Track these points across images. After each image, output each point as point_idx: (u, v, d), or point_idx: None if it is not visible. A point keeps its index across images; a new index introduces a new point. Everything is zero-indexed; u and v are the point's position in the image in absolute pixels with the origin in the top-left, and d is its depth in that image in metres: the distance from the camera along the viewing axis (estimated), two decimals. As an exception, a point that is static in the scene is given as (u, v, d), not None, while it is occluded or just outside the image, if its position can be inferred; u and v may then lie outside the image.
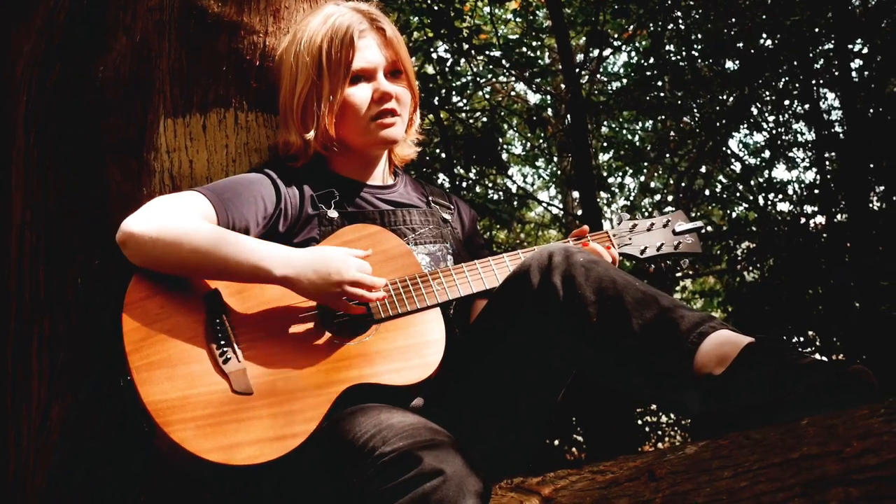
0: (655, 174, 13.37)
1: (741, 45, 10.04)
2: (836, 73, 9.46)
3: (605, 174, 13.53)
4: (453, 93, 10.84)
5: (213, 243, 2.13)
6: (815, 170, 11.00)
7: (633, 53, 12.59)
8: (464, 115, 11.93)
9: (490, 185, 12.53)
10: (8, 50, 2.91)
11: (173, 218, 2.16)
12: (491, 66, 11.67)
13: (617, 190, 14.33)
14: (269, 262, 2.14)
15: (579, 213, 12.46)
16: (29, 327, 2.65)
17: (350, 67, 2.47)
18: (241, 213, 2.31)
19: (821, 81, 10.35)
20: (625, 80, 12.13)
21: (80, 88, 2.76)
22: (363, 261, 2.24)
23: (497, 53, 10.96)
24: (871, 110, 9.42)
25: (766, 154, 11.52)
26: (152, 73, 2.68)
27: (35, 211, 2.73)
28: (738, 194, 12.05)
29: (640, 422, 12.06)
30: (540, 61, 12.36)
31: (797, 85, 10.33)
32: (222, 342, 2.10)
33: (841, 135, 10.23)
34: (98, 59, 2.76)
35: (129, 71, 2.71)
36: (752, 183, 11.58)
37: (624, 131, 13.45)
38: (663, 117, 11.28)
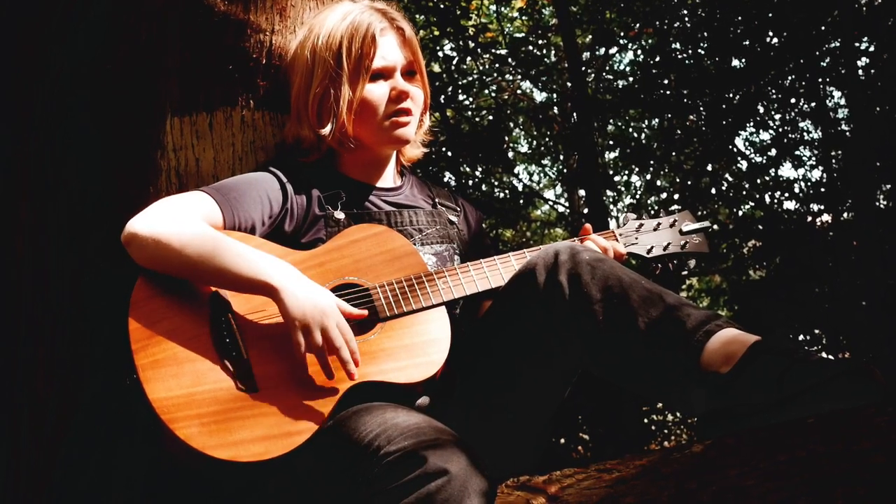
0: (661, 172, 13.36)
1: (747, 43, 10.03)
2: (843, 72, 9.45)
3: (611, 172, 13.53)
4: (459, 91, 10.86)
5: (213, 252, 2.12)
6: (821, 168, 11.01)
7: (639, 51, 12.58)
8: (470, 113, 11.95)
9: (496, 183, 12.55)
10: (19, 54, 2.91)
11: (177, 221, 2.16)
12: (497, 65, 11.68)
13: (623, 188, 14.34)
14: (264, 275, 2.11)
15: (585, 211, 12.47)
16: (37, 328, 2.65)
17: (371, 65, 2.47)
18: (247, 212, 2.31)
19: (827, 80, 10.35)
20: (631, 79, 12.13)
21: (87, 88, 2.76)
22: (350, 329, 2.14)
23: (503, 52, 10.99)
24: (878, 108, 9.41)
25: (773, 152, 11.50)
26: (159, 71, 2.68)
27: (43, 211, 2.73)
28: (744, 192, 12.05)
29: (646, 420, 12.08)
30: (546, 59, 12.37)
31: (803, 83, 10.33)
32: (227, 340, 2.11)
33: (847, 133, 10.22)
34: (104, 59, 2.76)
35: (135, 70, 2.71)
36: (759, 181, 11.57)
37: (630, 129, 13.45)
38: (669, 115, 11.27)
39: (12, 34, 2.90)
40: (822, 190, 10.69)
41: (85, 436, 2.44)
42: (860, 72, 9.54)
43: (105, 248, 2.56)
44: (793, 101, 10.77)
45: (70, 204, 2.71)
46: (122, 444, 2.35)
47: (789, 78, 10.42)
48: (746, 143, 12.47)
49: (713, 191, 12.16)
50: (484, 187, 11.80)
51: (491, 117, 11.92)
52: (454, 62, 10.56)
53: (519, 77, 12.44)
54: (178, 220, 2.16)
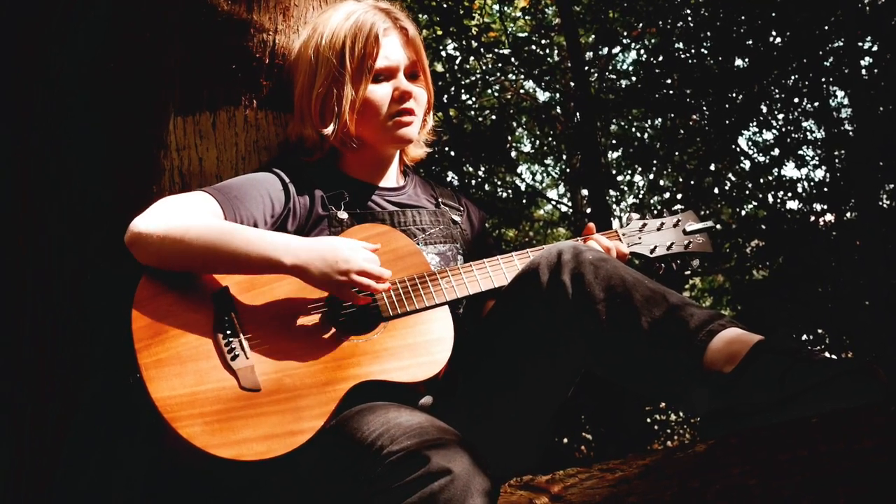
0: (664, 172, 13.36)
1: (750, 42, 10.02)
2: (846, 71, 9.44)
3: (613, 172, 13.52)
4: (462, 90, 10.86)
5: (220, 236, 2.13)
6: (824, 168, 11.00)
7: (641, 51, 12.58)
8: (473, 112, 11.95)
9: (499, 182, 12.54)
10: (19, 54, 2.91)
11: (181, 216, 2.17)
12: (500, 64, 11.67)
13: (626, 188, 14.33)
14: (277, 251, 2.14)
15: (588, 210, 12.46)
16: (39, 328, 2.66)
17: (374, 65, 2.47)
18: (249, 212, 2.31)
19: (830, 79, 10.34)
20: (633, 78, 12.13)
21: (87, 88, 2.76)
22: (371, 252, 2.24)
23: (506, 51, 10.99)
24: (881, 108, 9.40)
25: (776, 152, 11.49)
26: (161, 71, 2.69)
27: (43, 211, 2.74)
28: (747, 192, 12.04)
29: (648, 420, 12.07)
30: (549, 59, 12.37)
31: (806, 83, 10.32)
32: (230, 339, 2.11)
33: (850, 132, 10.21)
34: (105, 59, 2.76)
35: (137, 69, 2.71)
36: (762, 181, 11.56)
37: (633, 129, 13.44)
38: (672, 115, 11.26)
39: (12, 34, 2.90)
40: (826, 189, 10.69)
41: (85, 436, 2.44)
42: (863, 71, 9.54)
43: (105, 248, 2.56)
44: (796, 100, 10.76)
45: (70, 204, 2.71)
46: (123, 444, 2.35)
47: (792, 77, 10.41)
48: (749, 143, 12.47)
49: (716, 190, 12.15)
50: (487, 187, 11.80)
51: (494, 117, 11.91)
52: (457, 62, 10.56)
53: (522, 77, 12.44)
54: (182, 215, 2.17)
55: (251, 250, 2.13)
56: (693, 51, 10.56)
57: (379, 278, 2.20)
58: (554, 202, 15.02)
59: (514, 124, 13.30)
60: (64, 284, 2.66)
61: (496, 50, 11.02)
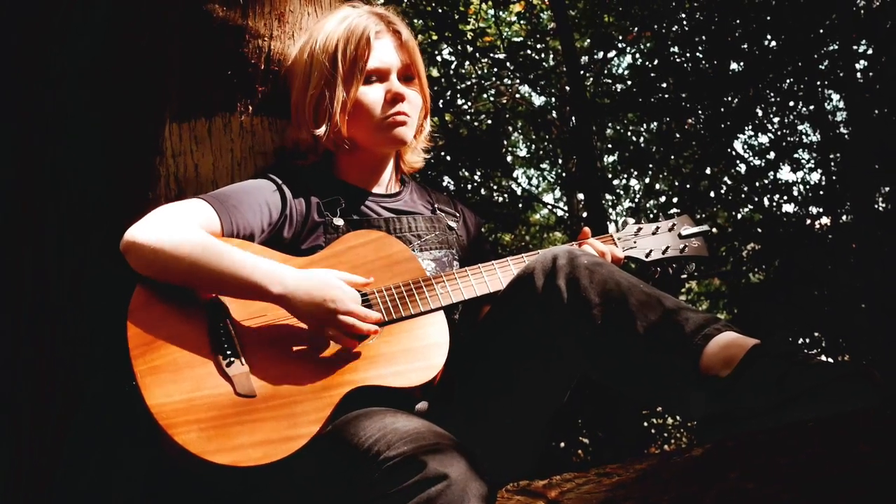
0: (660, 176, 13.35)
1: (745, 46, 10.04)
2: (841, 74, 9.46)
3: (609, 176, 13.53)
4: (458, 95, 10.86)
5: (212, 259, 2.13)
6: (820, 171, 11.02)
7: (637, 55, 12.58)
8: (468, 117, 11.95)
9: (495, 187, 12.54)
10: (19, 54, 2.91)
11: (175, 229, 2.16)
12: (495, 69, 11.67)
13: (622, 192, 14.34)
14: (265, 280, 2.13)
15: (584, 215, 12.46)
16: (38, 328, 2.65)
17: (365, 66, 2.48)
18: (246, 220, 2.31)
19: (825, 83, 10.35)
20: (629, 82, 12.13)
21: (87, 89, 2.76)
22: (358, 293, 2.22)
23: (501, 56, 10.99)
24: (876, 111, 9.42)
25: (771, 155, 11.51)
26: (157, 77, 2.69)
27: (43, 211, 2.73)
28: (743, 196, 12.04)
29: (645, 424, 12.07)
30: (544, 63, 12.37)
31: (802, 86, 10.33)
32: (225, 346, 2.11)
33: (846, 136, 10.23)
34: (105, 60, 2.76)
35: (134, 75, 2.71)
36: (757, 184, 11.57)
37: (628, 133, 13.44)
38: (668, 119, 11.27)
39: (12, 34, 2.90)
40: (821, 193, 10.70)
41: (85, 435, 2.44)
42: (858, 74, 9.54)
43: (105, 248, 2.56)
44: (791, 104, 10.77)
45: (70, 204, 2.71)
46: (123, 443, 2.35)
47: (788, 81, 10.42)
48: (745, 147, 12.48)
49: (712, 194, 12.15)
50: (483, 191, 11.79)
51: (490, 121, 11.92)
52: (452, 66, 10.57)
53: (517, 81, 12.43)
54: (177, 228, 2.17)
55: (240, 276, 2.13)
56: (688, 54, 10.57)
57: (365, 318, 2.17)
58: (550, 206, 15.02)
59: (510, 129, 13.30)
60: (64, 284, 2.66)
61: (491, 54, 11.02)
